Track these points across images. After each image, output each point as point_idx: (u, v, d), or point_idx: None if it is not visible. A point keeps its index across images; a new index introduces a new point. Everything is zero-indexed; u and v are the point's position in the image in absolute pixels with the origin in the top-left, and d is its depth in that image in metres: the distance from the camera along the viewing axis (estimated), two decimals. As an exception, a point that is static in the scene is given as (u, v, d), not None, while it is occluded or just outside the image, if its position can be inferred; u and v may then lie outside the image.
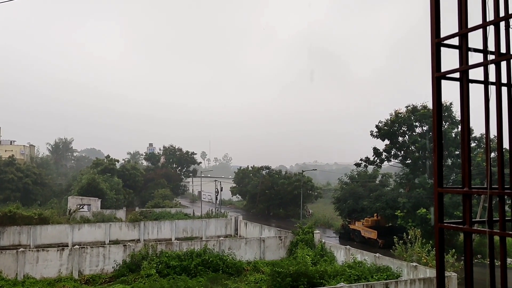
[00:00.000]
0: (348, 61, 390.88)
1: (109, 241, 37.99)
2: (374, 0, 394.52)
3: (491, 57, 2.08)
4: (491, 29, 2.06)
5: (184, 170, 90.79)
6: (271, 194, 66.63)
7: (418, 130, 43.39)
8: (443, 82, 2.20)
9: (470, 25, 2.12)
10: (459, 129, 33.88)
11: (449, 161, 40.73)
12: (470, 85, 2.15)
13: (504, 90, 2.09)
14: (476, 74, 2.16)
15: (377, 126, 44.01)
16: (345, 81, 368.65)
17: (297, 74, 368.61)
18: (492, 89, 2.06)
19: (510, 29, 2.07)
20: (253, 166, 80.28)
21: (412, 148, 42.80)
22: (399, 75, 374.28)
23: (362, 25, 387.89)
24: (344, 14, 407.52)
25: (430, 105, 38.47)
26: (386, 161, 45.74)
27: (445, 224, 2.13)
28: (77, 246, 28.76)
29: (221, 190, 65.78)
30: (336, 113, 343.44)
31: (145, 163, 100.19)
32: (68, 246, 33.23)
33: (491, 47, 2.07)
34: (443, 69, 2.18)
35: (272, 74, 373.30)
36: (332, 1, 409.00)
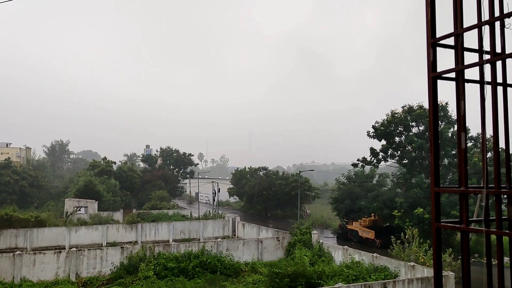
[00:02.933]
0: (335, 60, 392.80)
1: (107, 243, 37.87)
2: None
3: (486, 56, 2.09)
4: (486, 29, 2.07)
5: (181, 171, 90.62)
6: (268, 195, 66.60)
7: (414, 130, 43.49)
8: (439, 82, 2.21)
9: (465, 25, 2.13)
10: (455, 128, 33.97)
11: (446, 161, 40.86)
12: (466, 84, 2.16)
13: (500, 89, 2.10)
14: (471, 74, 2.17)
15: (373, 127, 44.10)
16: (332, 80, 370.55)
17: (284, 73, 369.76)
18: (488, 88, 2.07)
19: (505, 29, 2.08)
20: (250, 167, 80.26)
21: (409, 148, 42.90)
22: (387, 74, 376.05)
23: (347, 24, 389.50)
24: (328, 13, 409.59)
25: (426, 105, 38.45)
26: (383, 161, 45.83)
27: (442, 224, 2.14)
28: (74, 249, 28.67)
29: (219, 191, 65.75)
30: (329, 112, 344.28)
31: (142, 164, 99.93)
32: (65, 248, 33.09)
33: (487, 47, 2.08)
34: (438, 69, 2.19)
35: (258, 73, 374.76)
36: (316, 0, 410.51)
